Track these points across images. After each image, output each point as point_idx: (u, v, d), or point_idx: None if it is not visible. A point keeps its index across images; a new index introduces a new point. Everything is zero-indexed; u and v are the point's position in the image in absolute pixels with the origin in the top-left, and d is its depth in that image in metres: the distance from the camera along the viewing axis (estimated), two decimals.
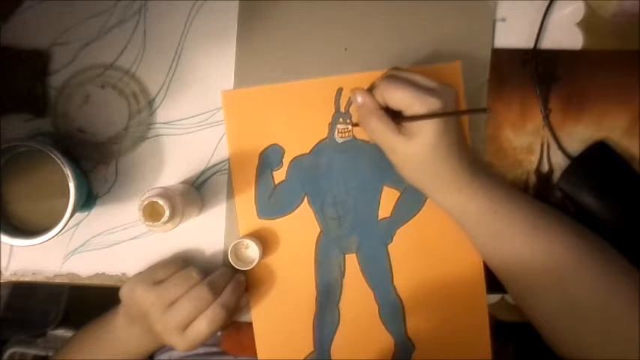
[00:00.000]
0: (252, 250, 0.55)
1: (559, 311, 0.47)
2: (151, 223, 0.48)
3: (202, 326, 0.49)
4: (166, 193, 0.48)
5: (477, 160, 0.52)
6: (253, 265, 0.54)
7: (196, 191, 0.56)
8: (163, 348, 0.61)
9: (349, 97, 0.55)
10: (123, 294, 0.52)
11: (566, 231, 0.48)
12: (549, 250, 0.47)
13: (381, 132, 0.47)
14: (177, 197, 0.50)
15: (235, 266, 0.54)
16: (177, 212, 0.49)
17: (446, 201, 0.50)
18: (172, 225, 0.50)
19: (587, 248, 0.47)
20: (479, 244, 0.51)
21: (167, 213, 0.47)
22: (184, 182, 0.57)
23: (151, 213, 0.48)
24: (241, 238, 0.54)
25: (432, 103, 0.45)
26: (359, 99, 0.48)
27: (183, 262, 0.53)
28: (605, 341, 0.45)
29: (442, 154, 0.46)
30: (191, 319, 0.49)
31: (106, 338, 0.54)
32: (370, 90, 0.49)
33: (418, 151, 0.46)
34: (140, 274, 0.53)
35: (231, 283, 0.52)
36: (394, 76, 0.47)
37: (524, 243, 0.48)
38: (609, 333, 0.45)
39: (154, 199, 0.47)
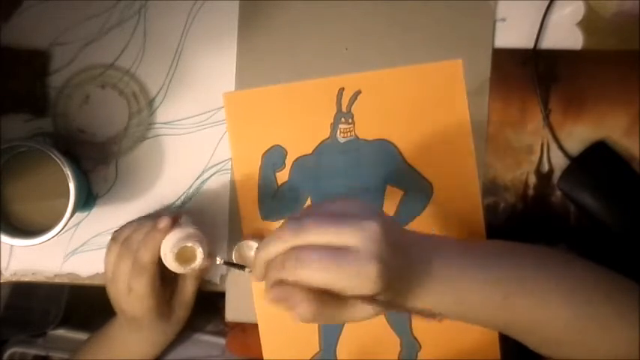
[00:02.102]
0: (254, 250, 0.54)
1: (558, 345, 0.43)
2: (188, 267, 0.48)
3: (134, 285, 0.49)
4: (192, 234, 0.48)
5: (427, 243, 0.43)
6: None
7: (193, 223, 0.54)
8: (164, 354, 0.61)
9: (350, 97, 0.55)
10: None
11: (548, 284, 0.42)
12: (528, 304, 0.41)
13: (336, 315, 0.38)
14: (200, 235, 0.49)
15: (239, 269, 0.53)
16: (207, 249, 0.48)
17: (442, 303, 0.41)
18: (207, 262, 0.49)
19: (571, 286, 0.43)
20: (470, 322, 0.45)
21: (200, 252, 0.47)
22: (185, 193, 0.57)
23: (182, 256, 0.48)
24: (245, 239, 0.54)
25: (364, 275, 0.35)
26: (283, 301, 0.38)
27: (113, 237, 0.52)
28: None
29: (395, 276, 0.38)
30: (127, 281, 0.49)
31: (107, 346, 0.55)
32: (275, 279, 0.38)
33: (370, 315, 0.38)
34: None
35: (145, 240, 0.49)
36: (300, 247, 0.36)
37: (495, 316, 0.42)
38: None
39: (189, 244, 0.47)
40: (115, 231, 0.52)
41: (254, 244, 0.54)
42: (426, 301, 0.41)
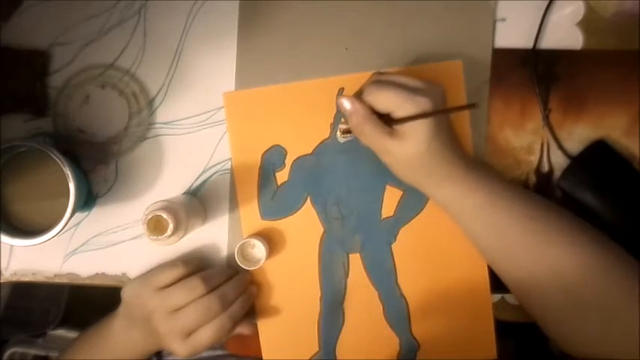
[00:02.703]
0: (258, 250, 0.55)
1: (559, 304, 0.47)
2: (155, 237, 0.48)
3: (207, 335, 0.49)
4: (170, 207, 0.48)
5: (470, 156, 0.54)
6: (260, 265, 0.54)
7: (199, 202, 0.56)
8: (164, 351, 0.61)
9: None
10: (125, 295, 0.52)
11: (564, 223, 0.48)
12: (546, 240, 0.47)
13: (373, 136, 0.47)
14: (180, 210, 0.50)
15: (242, 266, 0.54)
16: (181, 225, 0.49)
17: (443, 196, 0.50)
18: (177, 238, 0.51)
19: (585, 239, 0.47)
20: (476, 239, 0.51)
21: (171, 226, 0.47)
22: (186, 192, 0.57)
23: (155, 226, 0.48)
24: (248, 237, 0.54)
25: (421, 102, 0.45)
26: (347, 105, 0.47)
27: (185, 266, 0.52)
28: (605, 332, 0.45)
29: (436, 151, 0.46)
30: (196, 326, 0.49)
31: (105, 341, 0.54)
32: (358, 95, 0.48)
33: (412, 151, 0.46)
34: (143, 277, 0.53)
35: (243, 297, 0.53)
36: (380, 80, 0.47)
37: (520, 234, 0.48)
38: (610, 324, 0.45)
39: (158, 213, 0.47)
40: (204, 274, 0.52)
41: (256, 243, 0.54)
42: (431, 191, 0.50)
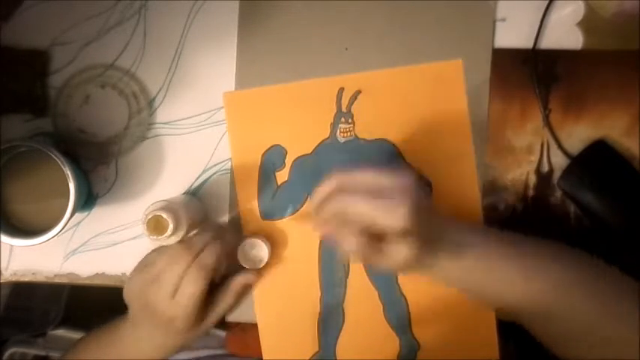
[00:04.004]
0: (261, 250, 0.54)
1: (567, 340, 0.47)
2: (155, 237, 0.48)
3: (186, 288, 0.48)
4: (170, 207, 0.48)
5: (452, 220, 0.50)
6: (262, 265, 0.54)
7: (199, 202, 0.56)
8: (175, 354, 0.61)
9: (350, 97, 0.55)
10: (123, 293, 0.52)
11: (559, 264, 0.47)
12: (545, 289, 0.46)
13: (359, 255, 0.45)
14: (180, 210, 0.49)
15: (245, 266, 0.54)
16: (181, 225, 0.49)
17: (447, 280, 0.49)
18: (177, 238, 0.50)
19: (584, 278, 0.46)
20: (482, 299, 0.50)
21: (171, 226, 0.47)
22: (186, 192, 0.57)
23: (156, 226, 0.48)
24: (250, 237, 0.54)
25: (395, 209, 0.41)
26: (352, 245, 0.44)
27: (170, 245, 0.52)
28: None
29: (428, 251, 0.45)
30: (176, 284, 0.48)
31: (115, 342, 0.54)
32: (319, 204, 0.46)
33: (399, 263, 0.44)
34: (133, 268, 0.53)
35: (214, 244, 0.50)
36: (344, 189, 0.44)
37: (519, 288, 0.46)
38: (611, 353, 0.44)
39: (158, 213, 0.47)
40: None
41: (257, 242, 0.54)
42: (453, 273, 0.47)
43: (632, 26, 0.54)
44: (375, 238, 0.43)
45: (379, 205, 0.42)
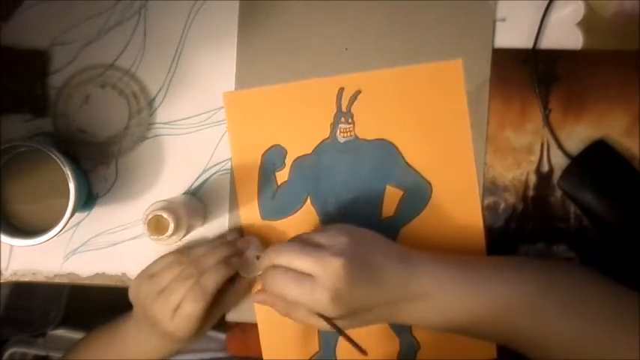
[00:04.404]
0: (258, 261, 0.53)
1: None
2: (155, 237, 0.48)
3: (185, 306, 0.48)
4: (170, 207, 0.48)
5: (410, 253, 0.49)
6: (260, 273, 0.52)
7: (199, 202, 0.56)
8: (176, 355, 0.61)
9: (350, 97, 0.55)
10: (129, 294, 0.52)
11: (546, 299, 0.46)
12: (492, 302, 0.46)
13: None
14: (181, 209, 0.50)
15: (242, 274, 0.52)
16: (181, 225, 0.49)
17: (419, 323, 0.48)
18: (177, 237, 0.50)
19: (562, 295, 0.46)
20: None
21: (172, 226, 0.47)
22: (186, 192, 0.57)
23: (156, 226, 0.48)
24: (248, 248, 0.53)
25: (318, 301, 0.43)
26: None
27: (177, 252, 0.52)
28: None
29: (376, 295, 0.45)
30: (179, 302, 0.48)
31: (116, 341, 0.54)
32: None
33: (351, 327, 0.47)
34: (140, 272, 0.53)
35: (218, 266, 0.50)
36: (271, 271, 0.46)
37: (488, 332, 0.47)
38: None
39: (159, 213, 0.47)
40: (186, 247, 0.52)
41: (255, 251, 0.53)
42: (413, 318, 0.47)
43: (632, 26, 0.54)
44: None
45: (300, 292, 0.44)
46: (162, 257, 0.52)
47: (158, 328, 0.50)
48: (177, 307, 0.48)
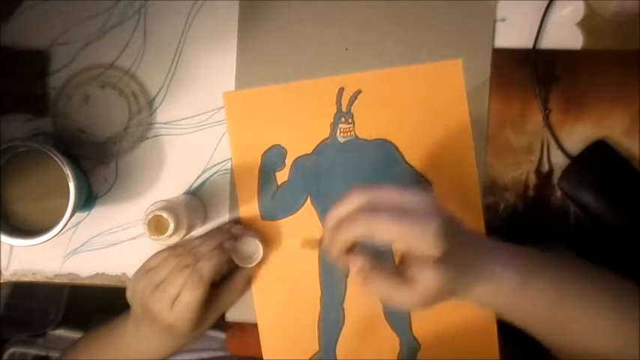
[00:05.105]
0: (254, 248, 0.54)
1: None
2: (155, 237, 0.48)
3: (184, 297, 0.48)
4: (170, 207, 0.49)
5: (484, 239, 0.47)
6: (256, 263, 0.54)
7: (199, 202, 0.56)
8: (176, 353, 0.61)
9: (350, 97, 0.55)
10: (127, 292, 0.52)
11: (583, 290, 0.45)
12: (574, 307, 0.45)
13: (384, 291, 0.40)
14: (181, 210, 0.50)
15: (238, 263, 0.54)
16: (181, 225, 0.49)
17: (472, 301, 0.44)
18: (177, 237, 0.51)
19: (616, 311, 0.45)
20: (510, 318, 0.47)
21: (172, 226, 0.48)
22: (186, 192, 0.57)
23: (156, 226, 0.48)
24: (243, 235, 0.54)
25: (429, 229, 0.38)
26: (352, 269, 0.40)
27: (171, 247, 0.52)
28: None
29: (457, 273, 0.40)
30: (176, 293, 0.48)
31: (116, 340, 0.54)
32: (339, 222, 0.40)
33: (428, 295, 0.40)
34: (137, 269, 0.53)
35: (212, 252, 0.50)
36: (370, 206, 0.39)
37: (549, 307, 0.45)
38: None
39: (159, 213, 0.47)
40: (182, 241, 0.51)
41: (250, 240, 0.54)
42: (481, 298, 0.43)
43: (632, 26, 0.54)
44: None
45: (410, 225, 0.37)
46: (158, 253, 0.52)
47: (158, 322, 0.50)
48: (175, 298, 0.48)
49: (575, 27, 0.55)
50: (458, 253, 0.40)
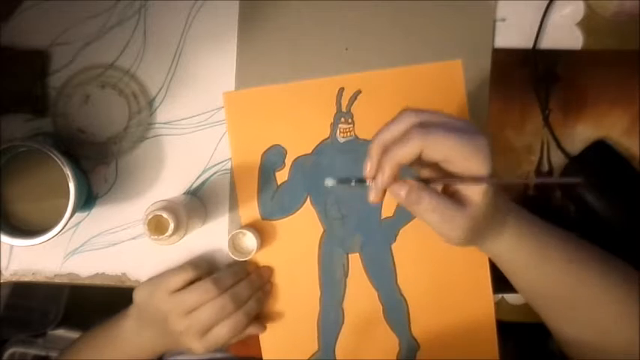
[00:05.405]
0: (250, 241, 0.55)
1: (588, 339, 0.47)
2: (156, 237, 0.48)
3: (223, 331, 0.51)
4: (170, 207, 0.49)
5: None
6: (251, 256, 0.54)
7: (199, 202, 0.56)
8: (173, 351, 0.61)
9: (350, 97, 0.55)
10: (138, 298, 0.53)
11: (598, 264, 0.47)
12: (583, 283, 0.46)
13: (433, 205, 0.40)
14: (181, 210, 0.50)
15: (234, 257, 0.54)
16: (181, 225, 0.50)
17: (496, 250, 0.46)
18: (177, 237, 0.51)
19: (618, 280, 0.47)
20: (526, 290, 0.49)
21: (172, 226, 0.48)
22: (186, 192, 0.57)
23: (156, 226, 0.48)
24: (240, 228, 0.55)
25: (481, 148, 0.38)
26: (402, 192, 0.40)
27: (194, 269, 0.53)
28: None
29: (495, 208, 0.41)
30: (212, 325, 0.51)
31: (114, 339, 0.54)
32: (384, 138, 0.40)
33: (477, 215, 0.40)
34: (155, 280, 0.53)
35: (257, 294, 0.54)
36: (425, 123, 0.39)
37: (560, 278, 0.46)
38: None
39: (159, 213, 0.48)
40: (215, 276, 0.52)
41: (246, 233, 0.54)
42: (499, 244, 0.45)
43: (632, 26, 0.54)
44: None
45: (464, 140, 0.38)
46: (179, 272, 0.53)
47: (171, 337, 0.52)
48: (208, 329, 0.51)
49: (575, 27, 0.55)
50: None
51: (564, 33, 0.55)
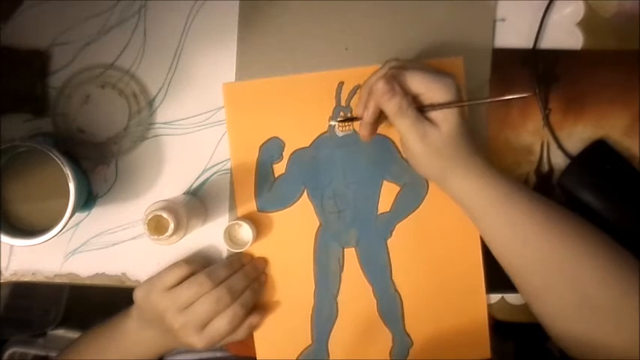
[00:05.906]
0: (245, 232, 0.55)
1: (571, 308, 0.46)
2: (156, 237, 0.48)
3: (222, 324, 0.51)
4: (170, 206, 0.49)
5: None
6: (247, 248, 0.54)
7: (199, 202, 0.56)
8: (173, 351, 0.61)
9: (350, 91, 0.55)
10: (137, 298, 0.53)
11: (577, 225, 0.47)
12: (561, 242, 0.46)
13: (413, 120, 0.46)
14: (181, 210, 0.50)
15: (229, 248, 0.54)
16: (181, 225, 0.50)
17: (462, 189, 0.49)
18: (177, 237, 0.51)
19: (598, 244, 0.47)
20: (491, 237, 0.50)
21: (172, 226, 0.48)
22: (186, 192, 0.57)
23: (156, 226, 0.48)
24: (236, 220, 0.55)
25: (447, 82, 0.46)
26: (386, 87, 0.45)
27: (188, 265, 0.53)
28: (616, 338, 0.44)
29: (462, 138, 0.47)
30: (209, 318, 0.51)
31: (117, 339, 0.55)
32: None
33: (445, 135, 0.46)
34: (152, 279, 0.53)
35: (253, 285, 0.54)
36: (402, 64, 0.47)
37: (537, 233, 0.47)
38: (621, 329, 0.44)
39: (159, 213, 0.48)
40: (208, 269, 0.53)
41: (242, 224, 0.54)
42: (466, 183, 0.49)
43: (632, 26, 0.54)
44: None
45: (437, 76, 0.46)
46: (173, 269, 0.53)
47: (171, 336, 0.52)
48: (206, 323, 0.51)
49: (575, 27, 0.55)
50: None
51: (564, 33, 0.55)
